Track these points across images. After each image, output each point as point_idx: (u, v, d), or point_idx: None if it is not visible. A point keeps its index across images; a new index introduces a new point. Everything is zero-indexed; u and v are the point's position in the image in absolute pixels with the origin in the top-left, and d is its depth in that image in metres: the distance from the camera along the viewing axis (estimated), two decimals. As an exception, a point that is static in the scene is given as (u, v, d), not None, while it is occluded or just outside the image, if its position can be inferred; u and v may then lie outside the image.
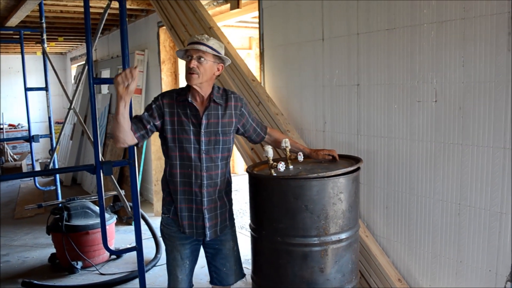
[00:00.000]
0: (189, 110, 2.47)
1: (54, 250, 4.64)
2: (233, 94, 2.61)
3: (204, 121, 2.46)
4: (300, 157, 2.78)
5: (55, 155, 5.45)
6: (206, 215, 2.52)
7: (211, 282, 2.73)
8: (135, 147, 2.81)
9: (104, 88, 8.44)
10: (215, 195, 2.54)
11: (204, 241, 2.60)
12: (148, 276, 4.05)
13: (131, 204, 3.18)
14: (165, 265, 2.65)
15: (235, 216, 2.75)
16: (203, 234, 2.55)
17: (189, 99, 2.46)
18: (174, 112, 2.46)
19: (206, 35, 2.45)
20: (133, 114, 2.91)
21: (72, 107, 4.77)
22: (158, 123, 2.47)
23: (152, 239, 4.96)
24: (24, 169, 9.71)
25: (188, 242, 2.57)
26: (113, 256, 4.75)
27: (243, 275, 2.77)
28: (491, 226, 2.51)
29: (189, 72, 2.41)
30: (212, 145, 2.49)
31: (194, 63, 2.39)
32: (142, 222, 4.96)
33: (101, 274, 4.37)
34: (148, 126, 2.45)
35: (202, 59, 2.40)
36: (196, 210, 2.51)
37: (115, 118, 2.34)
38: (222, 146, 2.52)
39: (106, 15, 3.55)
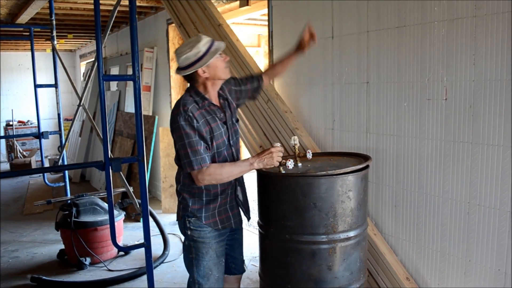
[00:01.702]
0: (214, 113, 2.45)
1: (62, 246, 4.67)
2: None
3: (227, 116, 2.51)
4: (309, 155, 2.78)
5: (64, 151, 5.47)
6: (240, 197, 2.64)
7: (229, 272, 2.76)
8: (144, 144, 2.84)
9: (113, 85, 8.48)
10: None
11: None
12: (156, 272, 4.07)
13: (139, 201, 3.19)
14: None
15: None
16: (239, 221, 2.66)
17: (213, 101, 2.47)
18: (205, 121, 2.40)
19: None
20: (142, 111, 2.92)
21: (81, 104, 4.79)
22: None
23: (160, 236, 4.98)
24: (33, 166, 9.78)
25: (223, 239, 2.58)
26: (121, 253, 4.77)
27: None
28: (500, 225, 2.49)
29: (227, 66, 2.48)
30: (235, 136, 2.58)
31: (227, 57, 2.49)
32: (150, 219, 4.97)
33: (109, 270, 4.39)
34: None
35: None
36: (230, 201, 2.58)
37: (238, 170, 2.40)
38: (238, 133, 2.64)
39: (116, 12, 3.56)
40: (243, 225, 2.77)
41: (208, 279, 2.53)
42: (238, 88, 2.72)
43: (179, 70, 2.45)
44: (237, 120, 2.65)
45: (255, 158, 2.38)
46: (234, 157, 2.56)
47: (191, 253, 2.54)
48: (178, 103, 2.42)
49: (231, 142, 2.53)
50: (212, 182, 2.38)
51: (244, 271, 2.84)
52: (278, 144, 2.48)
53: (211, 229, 2.51)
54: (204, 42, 2.39)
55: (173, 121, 2.39)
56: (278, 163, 2.38)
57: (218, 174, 2.35)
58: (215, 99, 2.51)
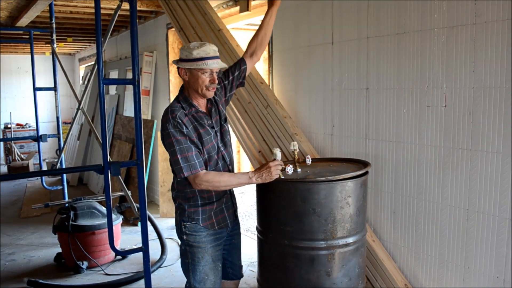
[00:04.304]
0: (202, 119, 2.46)
1: (60, 250, 4.66)
2: None
3: (214, 120, 2.51)
4: (308, 160, 2.78)
5: (62, 155, 5.46)
6: (235, 198, 2.68)
7: (226, 277, 2.74)
8: (143, 149, 2.84)
9: (112, 89, 8.47)
10: None
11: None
12: (153, 277, 4.05)
13: (137, 205, 3.18)
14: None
15: (240, 219, 2.77)
16: (235, 221, 2.67)
17: (200, 109, 2.48)
18: (193, 128, 2.41)
19: (214, 45, 2.42)
20: (142, 116, 2.92)
21: (80, 107, 4.79)
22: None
23: (158, 240, 4.97)
24: (31, 169, 9.75)
25: (219, 243, 2.57)
26: (119, 257, 4.75)
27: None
28: (499, 232, 2.49)
29: (212, 87, 2.43)
30: (225, 137, 2.58)
31: (216, 78, 2.43)
32: (148, 223, 4.96)
33: (107, 274, 4.37)
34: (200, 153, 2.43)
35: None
36: (226, 201, 2.58)
37: (236, 181, 2.40)
38: (228, 134, 2.63)
39: (117, 16, 3.56)
40: (241, 230, 2.77)
41: (204, 284, 2.52)
42: (225, 83, 2.70)
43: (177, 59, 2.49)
44: (226, 120, 2.63)
45: (255, 173, 2.37)
46: (225, 160, 2.56)
47: (187, 258, 2.54)
48: (166, 110, 2.43)
49: (220, 145, 2.53)
50: (209, 188, 2.38)
51: (242, 276, 2.82)
52: (278, 151, 2.47)
53: (206, 233, 2.50)
54: (202, 51, 2.36)
55: (162, 128, 2.41)
56: (277, 176, 2.38)
57: (216, 181, 2.36)
58: (203, 105, 2.52)
